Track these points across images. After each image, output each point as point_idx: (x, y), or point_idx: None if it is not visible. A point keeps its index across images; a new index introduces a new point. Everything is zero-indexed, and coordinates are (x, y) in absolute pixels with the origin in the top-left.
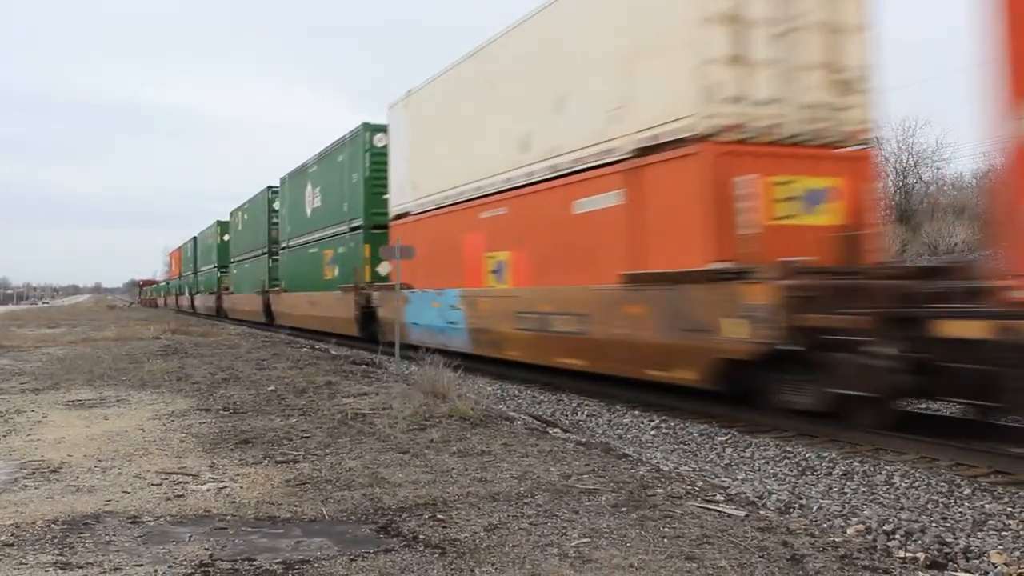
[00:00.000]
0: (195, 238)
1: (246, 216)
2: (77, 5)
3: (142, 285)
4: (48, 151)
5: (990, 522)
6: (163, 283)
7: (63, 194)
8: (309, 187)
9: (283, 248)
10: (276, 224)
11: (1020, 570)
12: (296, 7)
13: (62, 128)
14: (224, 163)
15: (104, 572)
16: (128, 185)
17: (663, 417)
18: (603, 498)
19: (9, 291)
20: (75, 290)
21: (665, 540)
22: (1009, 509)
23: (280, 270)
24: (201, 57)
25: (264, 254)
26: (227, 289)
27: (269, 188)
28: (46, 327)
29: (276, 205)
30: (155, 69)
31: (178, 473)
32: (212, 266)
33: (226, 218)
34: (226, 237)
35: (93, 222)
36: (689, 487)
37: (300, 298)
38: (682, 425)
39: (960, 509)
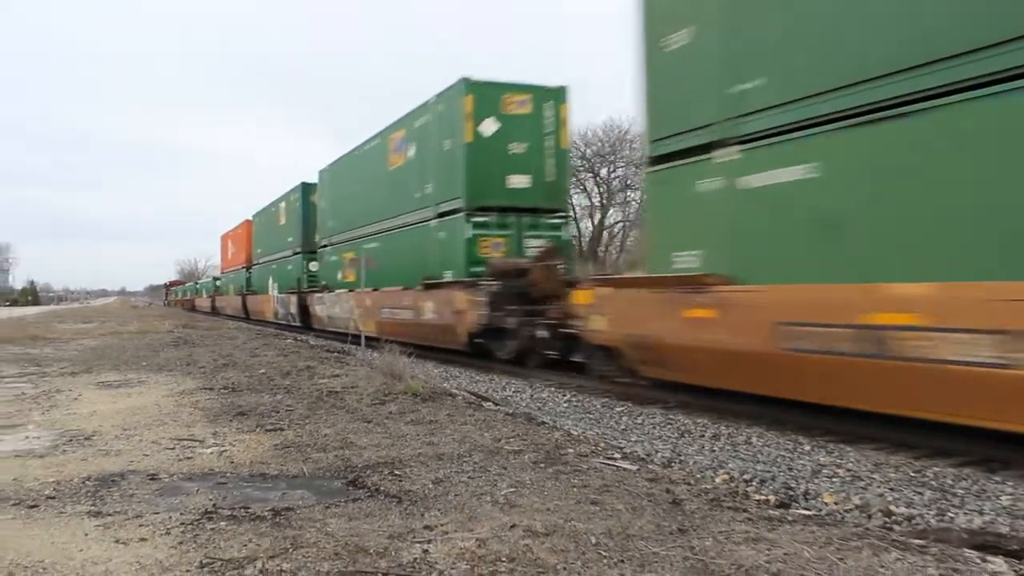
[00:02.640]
0: (304, 186)
1: None
2: (104, 60)
3: (169, 286)
4: (80, 181)
5: (824, 471)
6: (205, 281)
7: (92, 215)
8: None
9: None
10: None
11: (846, 508)
12: (289, 64)
13: (91, 162)
14: (223, 190)
15: (128, 519)
16: (145, 207)
17: (573, 393)
18: (526, 457)
19: (51, 294)
20: (104, 293)
21: (575, 489)
22: (838, 461)
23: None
24: (203, 104)
25: None
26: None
27: None
28: (81, 323)
29: None
30: (165, 112)
31: (187, 439)
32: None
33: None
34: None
35: (117, 237)
36: (593, 447)
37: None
38: (588, 399)
39: (802, 462)
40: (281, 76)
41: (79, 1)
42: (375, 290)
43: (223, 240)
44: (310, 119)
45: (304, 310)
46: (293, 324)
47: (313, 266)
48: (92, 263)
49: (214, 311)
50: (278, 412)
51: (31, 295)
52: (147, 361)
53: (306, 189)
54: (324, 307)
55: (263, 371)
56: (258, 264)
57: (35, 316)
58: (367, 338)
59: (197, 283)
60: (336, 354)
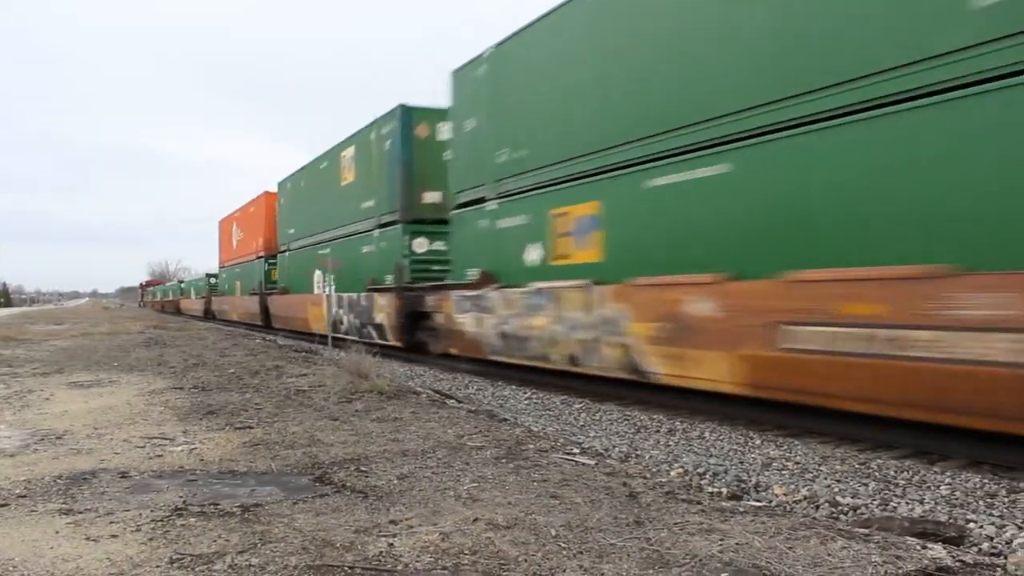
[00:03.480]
0: (404, 111)
1: None
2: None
3: (145, 286)
4: (53, 184)
5: (774, 464)
6: (195, 279)
7: (64, 218)
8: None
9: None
10: None
11: (795, 499)
12: (266, 71)
13: (64, 166)
14: (192, 195)
15: (99, 516)
16: (116, 212)
17: (533, 390)
18: (488, 452)
19: (23, 296)
20: (76, 295)
21: (535, 483)
22: (787, 455)
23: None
24: (179, 110)
25: None
26: None
27: None
28: (53, 324)
29: None
30: (136, 120)
31: (158, 438)
32: None
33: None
34: None
35: (88, 239)
36: (553, 443)
37: None
38: (548, 396)
39: (753, 455)
40: (258, 83)
41: (53, 8)
42: (770, 278)
43: (222, 227)
44: (288, 125)
45: (418, 320)
46: (386, 343)
47: (420, 245)
48: (64, 265)
49: (209, 315)
50: (247, 410)
51: (3, 297)
52: (118, 361)
53: (408, 117)
54: (490, 319)
55: (232, 371)
56: (290, 251)
57: (6, 318)
58: (334, 338)
59: (182, 282)
60: (304, 354)
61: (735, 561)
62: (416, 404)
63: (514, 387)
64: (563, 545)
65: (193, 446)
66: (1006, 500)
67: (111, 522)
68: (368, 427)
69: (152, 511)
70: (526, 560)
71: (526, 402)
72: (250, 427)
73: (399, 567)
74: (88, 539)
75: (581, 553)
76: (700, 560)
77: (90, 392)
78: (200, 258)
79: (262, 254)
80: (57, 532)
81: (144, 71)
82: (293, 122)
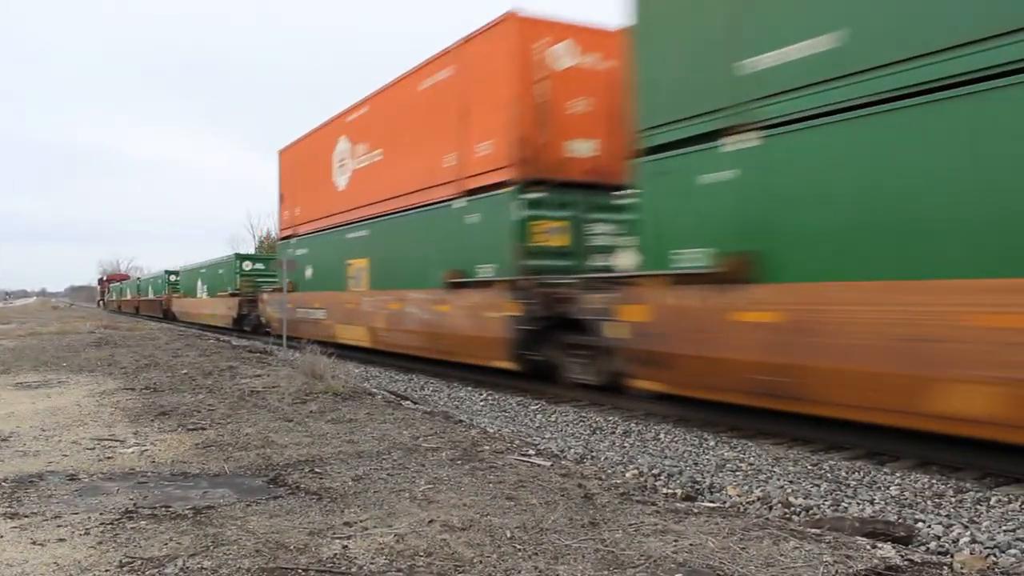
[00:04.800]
0: None
1: None
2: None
3: (107, 282)
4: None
5: (728, 465)
6: (202, 266)
7: (11, 217)
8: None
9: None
10: None
11: (749, 500)
12: (206, 71)
13: (6, 161)
14: (146, 195)
15: (46, 520)
16: (66, 210)
17: (489, 392)
18: (443, 454)
19: None
20: (24, 294)
21: (491, 485)
22: (741, 456)
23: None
24: (129, 109)
25: None
26: None
27: None
28: None
29: None
30: (88, 112)
31: (108, 439)
32: None
33: None
34: None
35: (35, 238)
36: (509, 444)
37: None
38: (504, 398)
39: (707, 457)
40: (211, 78)
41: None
42: None
43: (286, 161)
44: (245, 125)
45: None
46: None
47: None
48: (10, 264)
49: (247, 327)
50: (200, 412)
51: None
52: (68, 362)
53: None
54: None
55: (185, 371)
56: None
57: None
58: (289, 337)
59: (174, 272)
60: (258, 354)
61: (689, 562)
62: (371, 405)
63: (470, 388)
64: (518, 546)
65: (144, 448)
66: (953, 500)
67: (59, 525)
68: (323, 428)
69: (101, 514)
70: (481, 562)
71: (482, 403)
72: (203, 428)
73: (353, 569)
74: (34, 543)
75: (536, 554)
76: (654, 561)
77: (38, 393)
78: (154, 257)
79: (512, 179)
80: (1, 536)
81: (98, 63)
82: (255, 121)
